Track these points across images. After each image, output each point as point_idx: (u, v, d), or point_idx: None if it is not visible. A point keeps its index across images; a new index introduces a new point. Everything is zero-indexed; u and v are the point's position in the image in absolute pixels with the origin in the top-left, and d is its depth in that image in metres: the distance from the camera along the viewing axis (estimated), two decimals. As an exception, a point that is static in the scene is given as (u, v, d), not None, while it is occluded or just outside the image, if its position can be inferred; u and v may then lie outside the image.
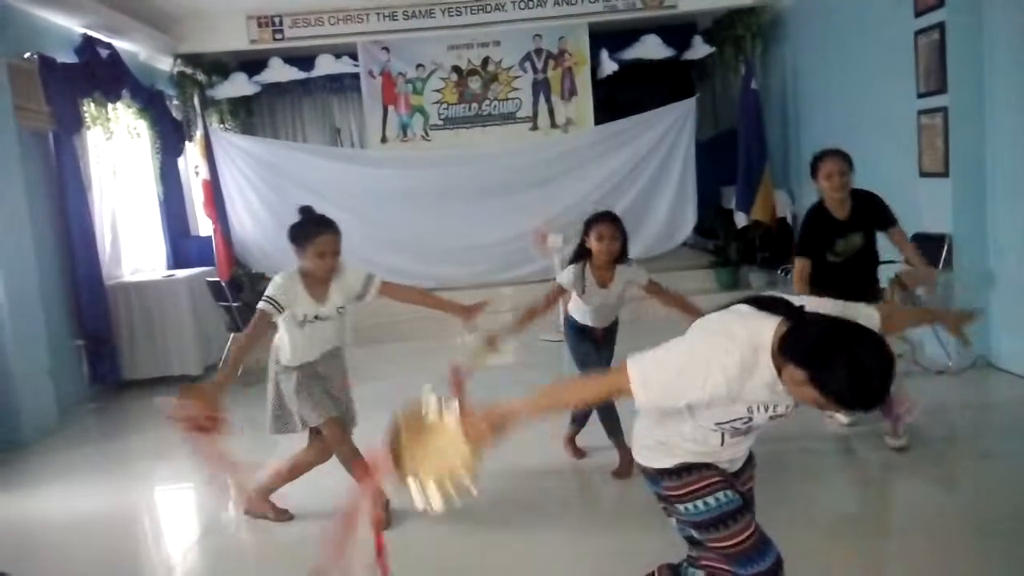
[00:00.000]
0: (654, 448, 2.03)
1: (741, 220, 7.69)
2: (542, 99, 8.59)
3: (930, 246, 5.11)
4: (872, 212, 3.78)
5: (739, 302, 1.84)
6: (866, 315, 1.82)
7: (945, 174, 5.04)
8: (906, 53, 5.33)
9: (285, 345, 3.32)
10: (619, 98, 8.91)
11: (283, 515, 3.54)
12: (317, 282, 3.26)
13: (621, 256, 3.57)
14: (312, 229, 3.18)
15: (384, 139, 8.57)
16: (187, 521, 3.91)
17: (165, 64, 7.97)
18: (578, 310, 3.75)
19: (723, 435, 1.93)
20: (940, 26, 4.98)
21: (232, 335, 6.21)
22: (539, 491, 3.68)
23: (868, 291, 3.77)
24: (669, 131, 8.09)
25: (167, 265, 7.46)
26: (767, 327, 1.72)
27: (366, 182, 8.05)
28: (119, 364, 6.18)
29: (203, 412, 2.73)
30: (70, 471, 4.47)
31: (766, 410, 1.81)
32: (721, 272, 7.76)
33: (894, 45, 5.52)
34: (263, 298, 3.21)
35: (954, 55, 4.92)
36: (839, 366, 1.56)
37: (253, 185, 8.28)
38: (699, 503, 1.96)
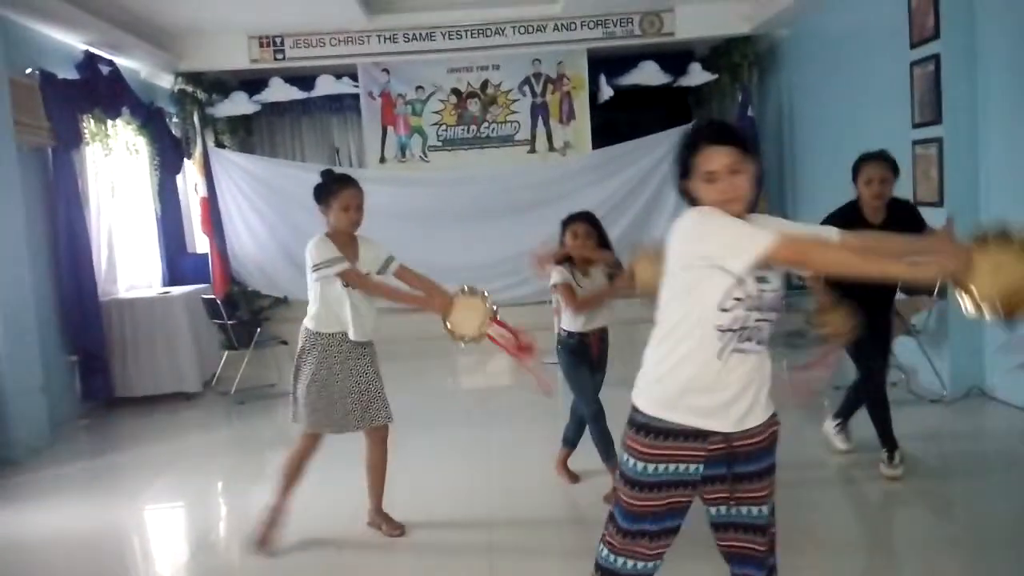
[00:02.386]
0: (650, 384, 2.01)
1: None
2: (540, 123, 8.65)
3: (925, 275, 5.13)
4: (906, 221, 3.66)
5: None
6: (827, 235, 1.98)
7: (940, 204, 5.08)
8: (902, 84, 5.39)
9: (315, 310, 3.31)
10: (617, 123, 8.98)
11: (396, 529, 3.49)
12: (345, 241, 3.31)
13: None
14: (335, 185, 3.29)
15: (383, 159, 8.62)
16: (177, 540, 3.87)
17: (165, 81, 8.01)
18: (570, 315, 3.76)
19: (727, 339, 1.89)
20: (935, 58, 5.04)
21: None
22: (531, 515, 3.66)
23: (881, 301, 3.75)
24: (666, 156, 8.12)
25: (163, 282, 7.45)
26: None
27: (365, 201, 8.05)
28: (112, 381, 6.14)
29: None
30: (60, 489, 4.44)
31: (757, 281, 1.87)
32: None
33: (890, 76, 5.58)
34: (317, 266, 3.22)
35: (949, 86, 4.98)
36: None
37: (251, 203, 8.30)
38: (637, 463, 1.97)
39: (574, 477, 3.98)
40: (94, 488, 4.45)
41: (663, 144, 8.12)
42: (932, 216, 5.16)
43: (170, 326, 6.36)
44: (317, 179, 3.36)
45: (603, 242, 3.74)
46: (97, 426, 5.79)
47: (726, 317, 1.88)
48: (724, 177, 1.87)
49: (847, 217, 3.62)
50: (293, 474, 3.40)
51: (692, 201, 1.96)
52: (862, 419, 4.05)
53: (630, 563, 2.03)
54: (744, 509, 1.99)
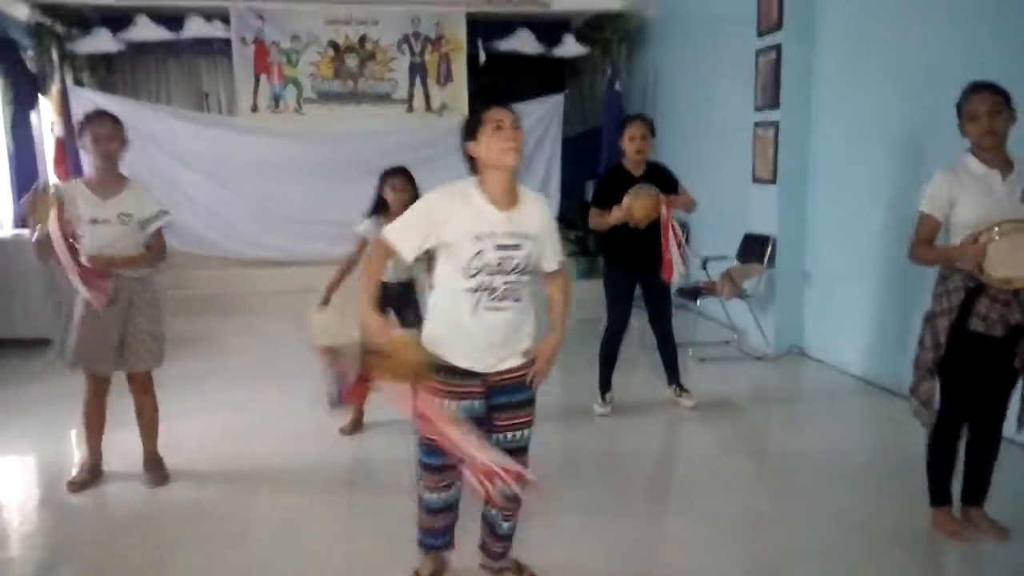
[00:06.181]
0: (427, 327, 2.32)
1: (600, 213, 8.12)
2: (418, 82, 8.71)
3: (757, 245, 5.68)
4: (662, 177, 4.24)
5: None
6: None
7: (773, 181, 5.61)
8: (748, 70, 5.87)
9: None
10: (494, 88, 9.15)
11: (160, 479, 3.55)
12: (101, 180, 3.36)
13: None
14: (86, 118, 3.35)
15: (255, 108, 8.45)
16: (27, 486, 3.81)
17: (19, 12, 7.52)
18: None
19: (477, 298, 2.19)
20: (777, 48, 5.52)
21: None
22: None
23: (654, 258, 4.16)
24: (538, 124, 8.40)
25: (14, 223, 7.09)
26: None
27: (234, 151, 7.91)
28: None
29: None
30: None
31: (498, 250, 2.18)
32: (579, 261, 8.16)
33: (738, 61, 6.05)
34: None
35: (787, 74, 5.48)
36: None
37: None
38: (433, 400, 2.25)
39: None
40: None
41: (536, 111, 8.38)
42: (766, 192, 5.72)
43: (22, 269, 6.12)
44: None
45: (416, 198, 3.95)
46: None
47: (472, 282, 2.19)
48: (510, 128, 2.19)
49: (616, 173, 4.28)
50: (90, 421, 3.49)
51: (472, 165, 2.27)
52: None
53: (435, 496, 2.37)
54: (511, 434, 2.33)
